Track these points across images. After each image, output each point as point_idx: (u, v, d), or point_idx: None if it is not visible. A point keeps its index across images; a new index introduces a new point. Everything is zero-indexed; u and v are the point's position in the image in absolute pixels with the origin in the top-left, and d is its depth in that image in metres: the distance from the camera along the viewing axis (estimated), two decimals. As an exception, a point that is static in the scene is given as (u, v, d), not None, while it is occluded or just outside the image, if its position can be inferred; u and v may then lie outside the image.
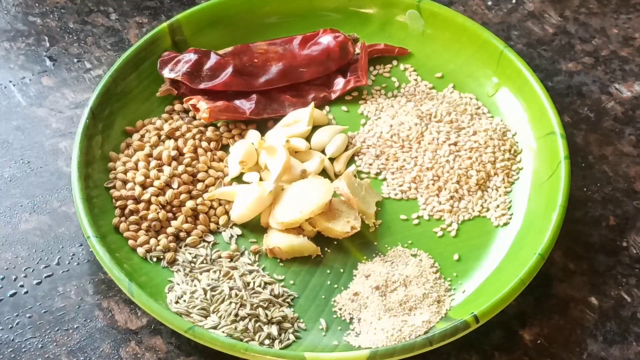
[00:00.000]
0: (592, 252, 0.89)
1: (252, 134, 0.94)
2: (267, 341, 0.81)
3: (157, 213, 0.87)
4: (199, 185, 0.90)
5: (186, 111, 0.95)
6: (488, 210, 0.90)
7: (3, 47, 1.02)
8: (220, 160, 0.92)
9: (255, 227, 0.88)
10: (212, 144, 0.93)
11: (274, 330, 0.81)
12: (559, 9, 1.08)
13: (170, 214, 0.88)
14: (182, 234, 0.87)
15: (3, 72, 1.00)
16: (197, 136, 0.93)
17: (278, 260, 0.86)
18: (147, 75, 0.96)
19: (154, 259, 0.86)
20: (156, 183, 0.89)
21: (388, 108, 0.96)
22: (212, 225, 0.88)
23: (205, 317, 0.82)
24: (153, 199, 0.88)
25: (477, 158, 0.92)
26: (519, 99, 0.95)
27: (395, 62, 1.00)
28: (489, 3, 1.08)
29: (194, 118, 0.95)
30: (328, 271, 0.86)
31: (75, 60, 1.02)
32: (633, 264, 0.88)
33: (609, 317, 0.85)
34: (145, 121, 0.94)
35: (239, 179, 0.91)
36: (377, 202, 0.90)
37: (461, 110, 0.96)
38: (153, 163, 0.90)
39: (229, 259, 0.86)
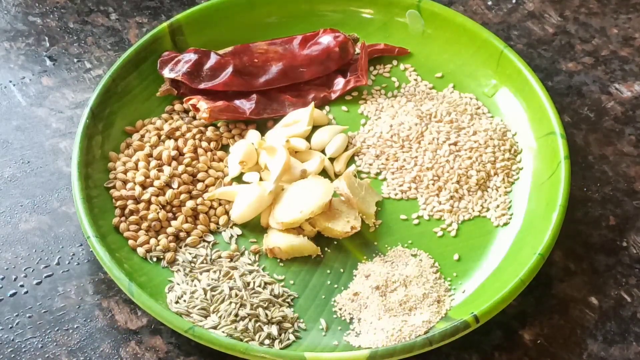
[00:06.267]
0: (592, 252, 0.89)
1: (252, 134, 0.94)
2: (267, 341, 0.81)
3: (157, 213, 0.87)
4: (199, 185, 0.90)
5: (186, 111, 0.95)
6: (488, 210, 0.90)
7: (3, 47, 1.02)
8: (220, 160, 0.92)
9: (255, 227, 0.88)
10: (212, 144, 0.93)
11: (274, 330, 0.81)
12: (559, 9, 1.08)
13: (170, 214, 0.88)
14: (182, 234, 0.87)
15: (3, 72, 1.00)
16: (197, 136, 0.93)
17: (278, 260, 0.86)
18: (147, 75, 0.96)
19: (154, 259, 0.86)
20: (156, 183, 0.89)
21: (388, 108, 0.96)
22: (212, 225, 0.88)
23: (205, 317, 0.82)
24: (153, 199, 0.88)
25: (477, 158, 0.92)
26: (519, 99, 0.95)
27: (395, 62, 1.00)
28: (489, 3, 1.08)
29: (194, 118, 0.95)
30: (328, 271, 0.86)
31: (75, 60, 1.02)
32: (633, 264, 0.88)
33: (609, 317, 0.85)
34: (145, 121, 0.94)
35: (239, 179, 0.91)
36: (377, 202, 0.90)
37: (461, 110, 0.96)
38: (153, 163, 0.90)
39: (229, 259, 0.86)
